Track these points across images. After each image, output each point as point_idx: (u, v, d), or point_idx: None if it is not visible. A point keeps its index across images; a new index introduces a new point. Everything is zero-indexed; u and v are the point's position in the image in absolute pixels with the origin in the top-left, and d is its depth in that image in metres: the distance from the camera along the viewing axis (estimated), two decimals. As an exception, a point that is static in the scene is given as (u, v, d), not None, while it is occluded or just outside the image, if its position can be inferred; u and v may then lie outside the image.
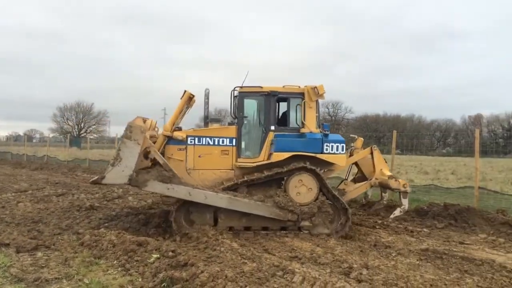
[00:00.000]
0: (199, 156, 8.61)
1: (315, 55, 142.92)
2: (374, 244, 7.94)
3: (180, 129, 8.83)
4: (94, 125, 79.53)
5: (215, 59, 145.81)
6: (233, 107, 8.92)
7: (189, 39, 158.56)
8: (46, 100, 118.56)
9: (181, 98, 8.78)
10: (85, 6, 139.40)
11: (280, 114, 9.54)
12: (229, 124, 9.22)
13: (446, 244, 8.20)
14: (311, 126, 8.86)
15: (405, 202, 9.53)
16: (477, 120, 70.83)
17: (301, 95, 8.92)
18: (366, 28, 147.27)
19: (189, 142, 8.61)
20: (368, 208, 11.34)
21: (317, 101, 8.96)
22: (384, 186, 9.88)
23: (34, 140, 72.31)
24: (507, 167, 25.62)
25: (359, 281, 5.68)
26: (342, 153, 9.02)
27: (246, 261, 6.54)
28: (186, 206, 8.31)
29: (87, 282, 5.10)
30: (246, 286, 4.92)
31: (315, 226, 8.59)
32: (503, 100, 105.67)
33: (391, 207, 10.67)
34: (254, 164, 8.59)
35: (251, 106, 9.13)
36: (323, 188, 8.70)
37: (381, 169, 9.80)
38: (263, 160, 8.63)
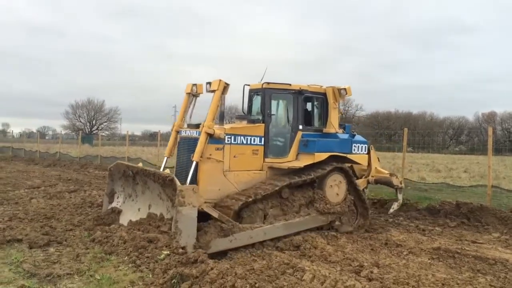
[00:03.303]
0: (234, 157, 8.01)
1: (318, 50, 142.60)
2: (385, 243, 7.89)
3: (198, 126, 8.07)
4: (105, 122, 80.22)
5: (217, 54, 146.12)
6: (255, 104, 8.87)
7: (190, 33, 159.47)
8: (56, 96, 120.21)
9: (209, 91, 8.04)
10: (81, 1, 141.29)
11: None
12: (250, 121, 8.71)
13: (459, 243, 8.11)
14: (335, 126, 9.08)
15: (400, 197, 10.09)
16: (490, 117, 69.88)
17: (324, 95, 9.08)
18: (369, 22, 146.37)
19: (226, 141, 7.90)
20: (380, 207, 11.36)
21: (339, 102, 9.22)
22: (382, 183, 10.12)
23: (46, 137, 73.16)
24: (521, 165, 25.26)
25: (370, 280, 5.65)
26: (365, 154, 9.44)
27: (256, 258, 6.56)
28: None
29: (98, 277, 5.15)
30: (256, 283, 4.91)
31: (342, 224, 8.67)
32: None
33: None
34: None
35: (279, 103, 9.08)
36: (350, 187, 8.88)
37: (375, 167, 10.05)
38: (292, 160, 8.56)
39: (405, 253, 7.27)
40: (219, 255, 6.72)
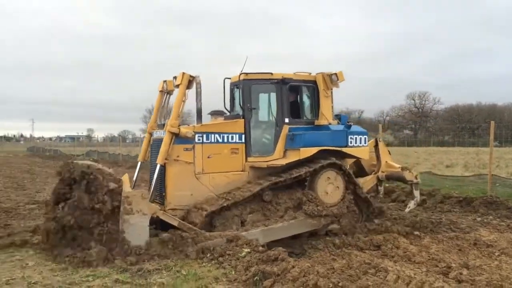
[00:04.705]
0: (208, 157, 7.29)
1: (388, 43, 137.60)
2: (474, 243, 7.41)
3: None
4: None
5: (289, 53, 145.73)
6: (237, 97, 8.09)
7: (254, 34, 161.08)
8: (134, 102, 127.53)
9: (177, 85, 7.40)
10: (150, 10, 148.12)
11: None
12: (227, 117, 8.03)
13: (559, 244, 7.44)
14: (328, 117, 8.14)
15: (417, 194, 9.18)
16: None
17: (314, 83, 8.16)
18: (442, 10, 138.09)
19: (197, 140, 7.21)
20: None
21: (331, 90, 8.24)
22: (394, 179, 9.35)
23: (127, 141, 77.59)
24: None
25: (459, 282, 5.36)
26: (365, 146, 8.39)
27: (335, 257, 6.47)
28: (208, 218, 6.96)
29: (185, 273, 5.36)
30: (339, 282, 4.85)
31: (342, 228, 7.81)
32: None
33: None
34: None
35: (260, 96, 8.27)
36: (349, 185, 8.01)
37: (386, 162, 9.17)
38: (279, 158, 7.70)
39: (497, 253, 6.81)
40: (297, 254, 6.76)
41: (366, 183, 8.81)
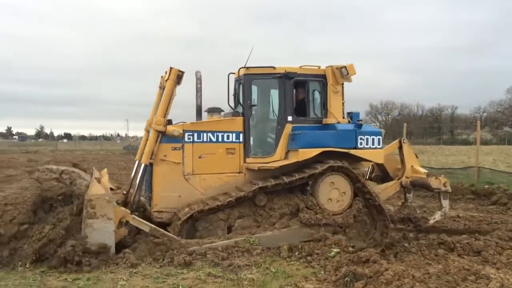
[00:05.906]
0: (200, 157, 6.93)
1: (473, 34, 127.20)
2: None
3: (170, 122, 6.95)
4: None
5: (362, 48, 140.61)
6: (239, 94, 7.53)
7: (323, 30, 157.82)
8: (211, 102, 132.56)
9: (166, 80, 6.94)
10: (221, 11, 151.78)
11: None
12: (226, 115, 7.52)
13: None
14: (337, 116, 7.43)
15: (446, 204, 8.03)
16: None
17: (323, 77, 7.46)
18: None
19: (186, 139, 6.87)
20: None
21: (342, 85, 7.53)
22: (419, 186, 8.16)
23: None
24: None
25: None
26: (379, 148, 7.47)
27: (430, 262, 6.19)
28: (192, 221, 6.65)
29: (274, 270, 5.44)
30: (436, 288, 4.62)
31: (349, 239, 6.98)
32: None
33: None
34: (274, 165, 6.97)
35: (261, 91, 7.73)
36: (359, 192, 7.21)
37: (412, 166, 8.14)
38: (280, 159, 7.11)
39: None
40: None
41: (386, 190, 8.02)
